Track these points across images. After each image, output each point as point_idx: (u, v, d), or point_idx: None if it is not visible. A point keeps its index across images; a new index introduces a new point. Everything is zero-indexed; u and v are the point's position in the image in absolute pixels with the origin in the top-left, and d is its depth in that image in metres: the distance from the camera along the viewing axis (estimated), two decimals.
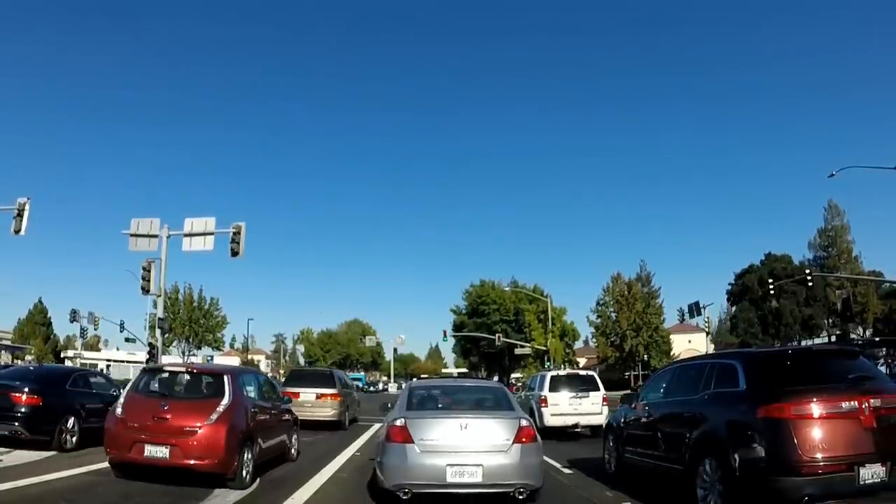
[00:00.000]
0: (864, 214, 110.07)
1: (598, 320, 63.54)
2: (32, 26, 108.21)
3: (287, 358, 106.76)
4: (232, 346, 72.09)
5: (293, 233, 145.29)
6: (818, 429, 4.88)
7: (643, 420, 7.14)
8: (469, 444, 5.84)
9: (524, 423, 6.09)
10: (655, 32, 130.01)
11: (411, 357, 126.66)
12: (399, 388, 71.52)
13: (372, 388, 78.78)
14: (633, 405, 7.56)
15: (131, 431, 6.94)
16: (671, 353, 58.98)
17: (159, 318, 23.55)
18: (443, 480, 5.71)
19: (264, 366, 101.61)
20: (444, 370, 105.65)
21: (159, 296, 23.19)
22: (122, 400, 7.54)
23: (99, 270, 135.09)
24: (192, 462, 6.74)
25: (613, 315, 61.65)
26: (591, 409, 14.28)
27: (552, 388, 14.68)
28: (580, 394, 14.51)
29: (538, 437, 6.25)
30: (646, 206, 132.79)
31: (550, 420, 14.29)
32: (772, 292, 50.25)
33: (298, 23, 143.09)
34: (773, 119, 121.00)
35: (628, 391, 9.54)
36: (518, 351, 62.87)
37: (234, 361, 74.78)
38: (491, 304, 68.40)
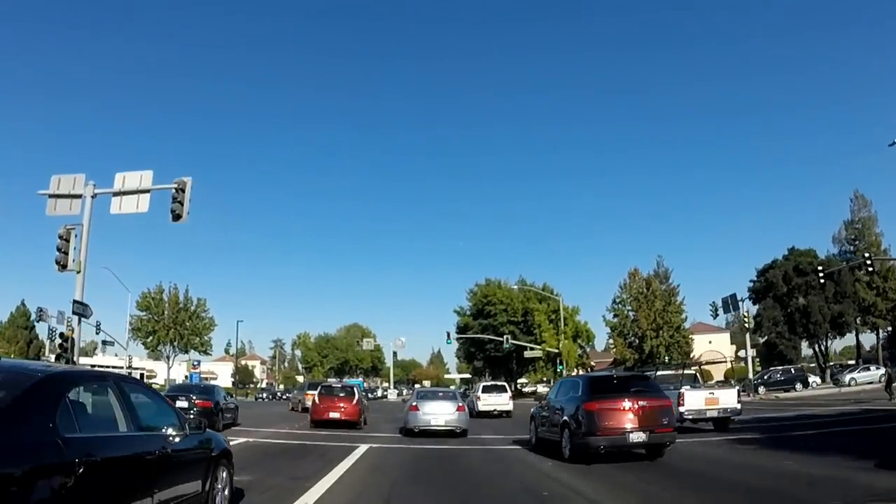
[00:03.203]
0: (890, 205, 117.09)
1: (616, 319, 67.86)
2: None
3: (286, 364, 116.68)
4: (227, 351, 78.32)
5: (292, 236, 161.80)
6: (608, 415, 11.57)
7: (545, 412, 14.21)
8: (439, 411, 18.44)
9: (460, 404, 19.10)
10: (669, 17, 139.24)
11: (413, 363, 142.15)
12: (399, 394, 78.56)
13: (370, 396, 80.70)
14: (542, 403, 14.47)
15: (323, 408, 22.51)
16: (691, 355, 62.54)
17: (75, 302, 20.99)
18: (429, 424, 18.21)
19: (259, 372, 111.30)
20: (446, 376, 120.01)
21: (79, 272, 21.10)
22: (316, 395, 23.73)
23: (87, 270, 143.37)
24: (346, 418, 22.18)
25: (631, 314, 65.95)
26: (503, 402, 31.95)
27: (483, 391, 33.10)
28: (498, 394, 32.38)
29: (467, 410, 19.63)
30: (659, 202, 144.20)
31: (481, 407, 31.19)
32: (818, 281, 55.10)
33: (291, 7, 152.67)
34: (791, 108, 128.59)
35: (540, 392, 16.58)
36: (528, 354, 67.52)
37: (228, 367, 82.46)
38: (497, 304, 73.36)
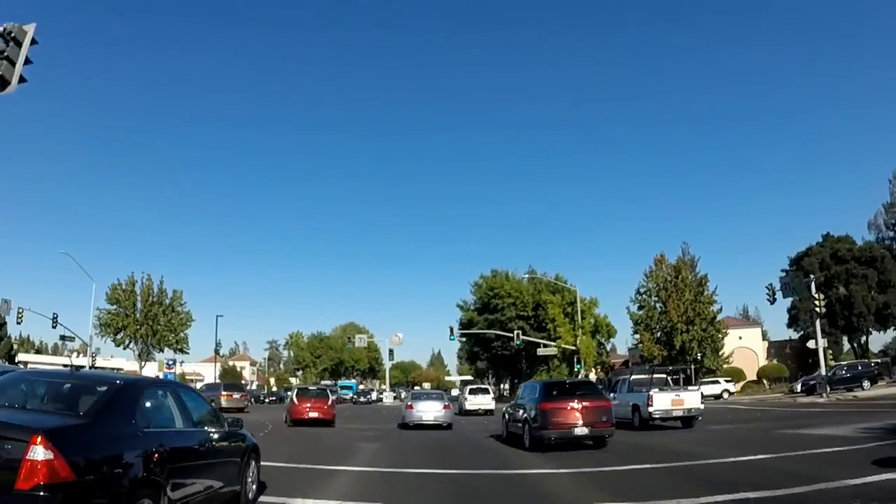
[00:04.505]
0: None
1: (641, 312, 69.65)
2: None
3: (282, 366, 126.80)
4: (217, 352, 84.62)
5: (291, 238, 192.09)
6: (558, 413, 17.95)
7: (512, 409, 20.92)
8: (429, 409, 29.91)
9: (446, 403, 30.83)
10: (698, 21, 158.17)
11: (412, 364, 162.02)
12: (396, 397, 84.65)
13: (363, 399, 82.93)
14: (512, 402, 21.20)
15: (301, 408, 31.04)
16: (721, 353, 67.32)
17: None
18: (422, 420, 29.28)
19: (249, 373, 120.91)
20: (447, 378, 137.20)
21: None
22: (294, 396, 33.16)
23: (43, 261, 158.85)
24: (322, 417, 30.70)
25: (659, 305, 68.16)
26: (487, 402, 45.83)
27: (470, 393, 48.39)
28: (482, 395, 47.40)
29: (451, 407, 31.48)
30: (674, 193, 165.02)
31: (468, 407, 44.97)
32: (860, 269, 57.32)
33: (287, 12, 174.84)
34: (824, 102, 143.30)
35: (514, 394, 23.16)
36: (541, 351, 71.23)
37: (211, 368, 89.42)
38: (505, 297, 78.03)
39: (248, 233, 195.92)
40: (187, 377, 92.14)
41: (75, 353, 65.43)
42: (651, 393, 25.00)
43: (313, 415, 30.48)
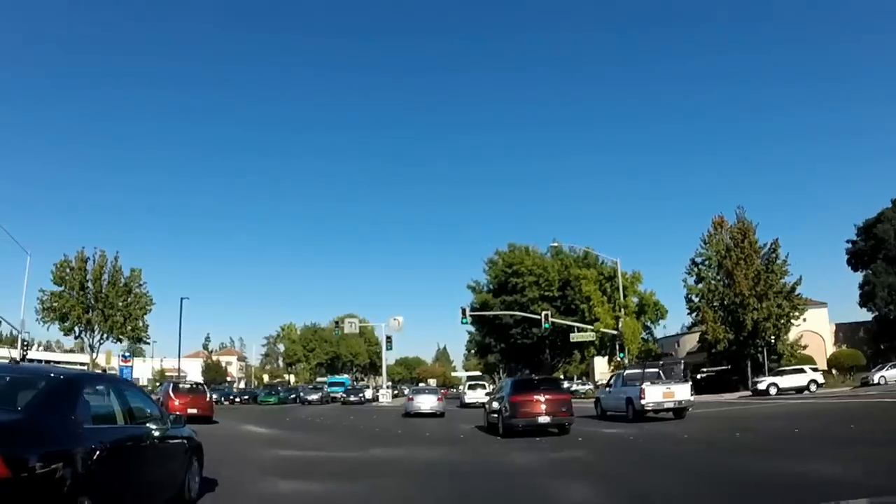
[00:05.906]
0: None
1: (700, 285, 68.66)
2: None
3: (280, 362, 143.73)
4: (205, 347, 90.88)
5: (293, 237, 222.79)
6: (524, 405, 25.47)
7: (490, 403, 29.52)
8: (426, 402, 50.32)
9: (439, 396, 52.70)
10: None
11: (417, 360, 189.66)
12: (396, 395, 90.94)
13: (353, 398, 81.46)
14: (491, 397, 30.13)
15: (181, 405, 37.94)
16: (782, 336, 65.97)
17: None
18: (420, 410, 48.96)
19: (236, 369, 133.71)
20: (453, 374, 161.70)
21: None
22: (170, 391, 42.17)
23: None
24: (202, 413, 38.61)
25: (721, 277, 66.82)
26: (482, 396, 59.13)
27: (469, 388, 69.74)
28: (479, 390, 66.26)
29: (443, 399, 54.26)
30: (714, 151, 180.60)
31: (467, 400, 65.70)
32: None
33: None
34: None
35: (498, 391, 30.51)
36: (574, 337, 72.86)
37: (197, 364, 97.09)
38: (526, 274, 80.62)
39: (247, 231, 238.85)
40: (167, 374, 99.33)
41: (19, 345, 70.45)
42: (643, 386, 31.74)
43: (192, 411, 36.76)
